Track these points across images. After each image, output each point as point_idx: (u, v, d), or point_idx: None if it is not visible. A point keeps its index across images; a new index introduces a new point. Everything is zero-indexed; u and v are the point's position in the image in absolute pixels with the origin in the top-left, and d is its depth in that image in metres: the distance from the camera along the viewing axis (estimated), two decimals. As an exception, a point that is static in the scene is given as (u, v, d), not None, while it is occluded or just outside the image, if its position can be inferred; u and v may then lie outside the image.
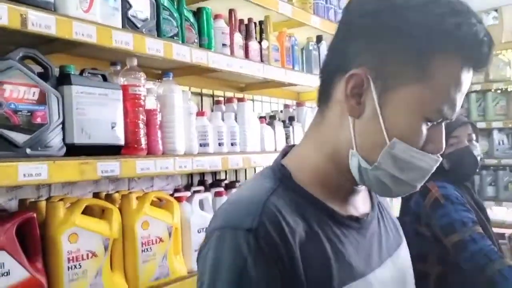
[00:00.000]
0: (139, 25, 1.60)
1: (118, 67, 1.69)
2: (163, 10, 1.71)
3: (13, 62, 1.25)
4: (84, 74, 1.46)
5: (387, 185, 0.79)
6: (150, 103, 1.67)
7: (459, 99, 0.77)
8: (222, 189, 2.03)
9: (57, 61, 1.47)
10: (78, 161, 1.34)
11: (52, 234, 1.35)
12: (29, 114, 1.27)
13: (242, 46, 2.13)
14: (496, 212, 4.67)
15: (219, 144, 1.94)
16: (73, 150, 1.37)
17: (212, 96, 2.52)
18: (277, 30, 2.48)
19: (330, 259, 0.76)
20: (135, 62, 1.62)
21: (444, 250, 1.79)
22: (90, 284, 1.40)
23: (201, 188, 2.13)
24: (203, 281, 0.73)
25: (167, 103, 1.73)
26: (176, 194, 1.88)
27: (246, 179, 2.71)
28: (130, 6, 1.57)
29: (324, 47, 2.73)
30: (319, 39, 2.78)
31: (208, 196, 1.92)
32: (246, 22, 2.24)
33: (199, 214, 1.80)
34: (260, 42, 2.26)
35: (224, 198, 1.90)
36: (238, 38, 2.11)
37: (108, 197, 1.67)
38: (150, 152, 1.63)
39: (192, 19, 1.86)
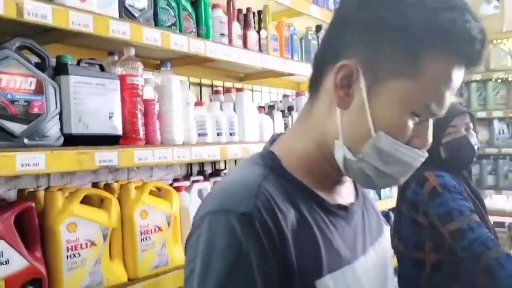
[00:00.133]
0: (136, 15, 1.60)
1: (116, 57, 1.69)
2: (160, 0, 1.70)
3: (9, 52, 1.25)
4: (81, 64, 1.46)
5: (370, 177, 0.80)
6: (148, 93, 1.67)
7: (449, 96, 0.77)
8: (221, 179, 2.04)
9: (55, 52, 1.47)
10: (76, 151, 1.34)
11: (50, 224, 1.36)
12: (26, 104, 1.27)
13: (240, 35, 2.12)
14: (496, 201, 4.69)
15: (218, 134, 1.95)
16: (71, 140, 1.37)
17: (211, 86, 2.52)
18: (276, 20, 2.47)
19: (320, 246, 0.77)
20: (132, 52, 1.62)
21: (441, 239, 1.80)
22: (89, 272, 1.41)
23: (200, 178, 2.14)
24: (194, 265, 0.72)
25: (165, 93, 1.73)
26: (175, 184, 1.89)
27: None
28: (127, -5, 1.57)
29: (323, 36, 2.71)
30: (318, 28, 2.77)
31: (207, 185, 1.93)
32: (244, 11, 2.23)
33: (197, 203, 1.79)
34: (258, 32, 2.25)
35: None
36: (237, 27, 2.11)
37: (107, 187, 1.68)
38: (148, 142, 1.63)
39: (190, 9, 1.85)
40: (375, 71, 0.76)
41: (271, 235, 0.71)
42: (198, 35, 1.89)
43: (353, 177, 0.84)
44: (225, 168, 2.56)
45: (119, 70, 1.59)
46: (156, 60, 2.05)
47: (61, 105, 1.37)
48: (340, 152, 0.80)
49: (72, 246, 1.38)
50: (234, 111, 2.08)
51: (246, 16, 2.21)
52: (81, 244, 1.40)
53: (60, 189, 1.48)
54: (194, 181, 1.94)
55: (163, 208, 1.65)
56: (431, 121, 0.81)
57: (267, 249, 0.70)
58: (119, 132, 1.51)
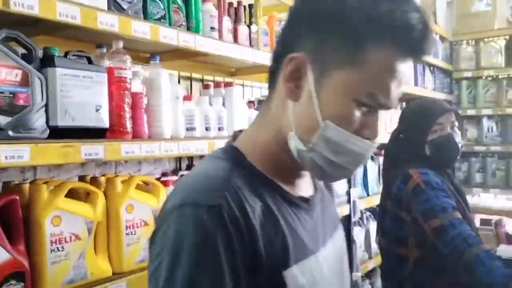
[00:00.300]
0: (125, 7, 1.58)
1: (104, 50, 1.67)
2: (150, -8, 1.69)
3: (-6, 43, 1.23)
4: (68, 57, 1.44)
5: (322, 168, 0.82)
6: (136, 86, 1.66)
7: (395, 86, 0.79)
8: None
9: (43, 44, 1.45)
10: (61, 143, 1.33)
11: (35, 217, 1.35)
12: (11, 95, 1.26)
13: (230, 30, 2.11)
14: (483, 199, 4.73)
15: (206, 129, 1.94)
16: (57, 133, 1.36)
17: (202, 80, 2.51)
18: (267, 14, 2.46)
19: (286, 237, 0.79)
20: (121, 44, 1.61)
21: (424, 235, 1.83)
22: (73, 266, 1.40)
23: (189, 172, 2.12)
24: (161, 259, 0.72)
25: (153, 86, 1.72)
26: (163, 178, 1.88)
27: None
28: (116, -13, 1.55)
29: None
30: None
31: (195, 180, 1.92)
32: (235, 5, 2.22)
33: (185, 198, 1.80)
34: (249, 26, 2.24)
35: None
36: (227, 21, 2.09)
37: (94, 181, 1.66)
38: (136, 135, 1.62)
39: (179, 2, 1.83)
40: (322, 63, 0.79)
41: (240, 227, 0.72)
42: (188, 28, 1.87)
43: (307, 168, 0.86)
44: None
45: (107, 63, 1.58)
46: (146, 54, 2.03)
47: (47, 97, 1.35)
48: (294, 144, 0.82)
49: (56, 240, 1.37)
50: (224, 106, 2.07)
51: (236, 10, 2.20)
52: (65, 238, 1.39)
53: (45, 182, 1.47)
54: (182, 176, 1.94)
55: (150, 202, 1.64)
56: (380, 113, 0.82)
57: (235, 240, 0.71)
58: (106, 125, 1.50)
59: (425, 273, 1.86)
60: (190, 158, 2.41)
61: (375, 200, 3.08)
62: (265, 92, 2.81)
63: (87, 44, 1.72)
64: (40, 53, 1.38)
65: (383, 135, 2.48)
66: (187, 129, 1.85)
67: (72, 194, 1.45)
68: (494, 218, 4.29)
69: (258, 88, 2.98)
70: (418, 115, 2.03)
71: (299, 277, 0.78)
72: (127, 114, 1.58)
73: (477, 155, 4.71)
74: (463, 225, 1.75)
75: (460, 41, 4.87)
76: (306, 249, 0.82)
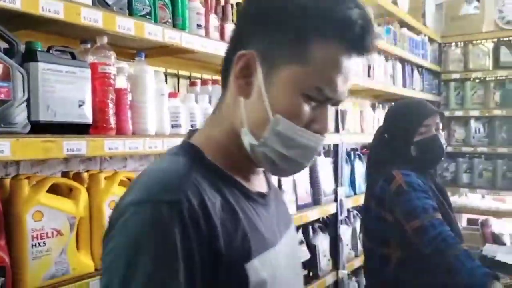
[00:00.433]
0: (110, 3, 1.57)
1: (89, 45, 1.67)
2: (135, -12, 1.68)
3: (-25, 37, 1.22)
4: (51, 51, 1.44)
5: (274, 162, 0.83)
6: (121, 82, 1.65)
7: (342, 81, 0.81)
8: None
9: (27, 39, 1.44)
10: (43, 139, 1.32)
11: (16, 212, 1.34)
12: (-8, 90, 1.25)
13: (217, 27, 2.11)
14: (471, 199, 4.77)
15: (192, 126, 1.94)
16: (39, 128, 1.35)
17: (189, 78, 2.51)
18: (255, 13, 2.46)
19: (246, 231, 0.79)
20: (105, 40, 1.60)
21: (405, 235, 1.84)
22: (55, 262, 1.40)
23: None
24: (118, 255, 0.71)
25: (138, 83, 1.71)
26: (148, 175, 1.87)
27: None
28: (101, -18, 1.55)
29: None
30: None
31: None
32: (222, 3, 2.22)
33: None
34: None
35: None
36: (214, 19, 2.09)
37: (77, 177, 1.66)
38: (120, 132, 1.62)
39: (166, -1, 1.83)
40: (270, 59, 0.81)
41: (199, 223, 0.73)
42: (174, 25, 1.87)
43: (260, 163, 0.87)
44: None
45: (91, 59, 1.57)
46: (132, 50, 2.03)
47: (29, 92, 1.35)
48: (247, 140, 0.84)
49: (37, 235, 1.36)
50: (210, 103, 2.07)
51: (224, 8, 2.20)
52: (47, 233, 1.38)
53: (27, 178, 1.46)
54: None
55: (133, 198, 1.63)
56: (329, 107, 0.84)
57: (193, 236, 0.71)
58: (89, 121, 1.49)
59: (407, 272, 1.88)
60: (177, 156, 2.40)
61: (362, 199, 3.09)
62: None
63: (71, 40, 1.71)
64: (22, 48, 1.37)
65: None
66: (172, 126, 1.85)
67: (55, 190, 1.45)
68: (481, 218, 4.33)
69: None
70: (405, 116, 2.05)
71: (260, 270, 0.79)
72: (111, 110, 1.57)
73: (464, 156, 4.75)
74: (443, 226, 1.77)
75: (448, 43, 4.91)
76: (266, 242, 0.84)
